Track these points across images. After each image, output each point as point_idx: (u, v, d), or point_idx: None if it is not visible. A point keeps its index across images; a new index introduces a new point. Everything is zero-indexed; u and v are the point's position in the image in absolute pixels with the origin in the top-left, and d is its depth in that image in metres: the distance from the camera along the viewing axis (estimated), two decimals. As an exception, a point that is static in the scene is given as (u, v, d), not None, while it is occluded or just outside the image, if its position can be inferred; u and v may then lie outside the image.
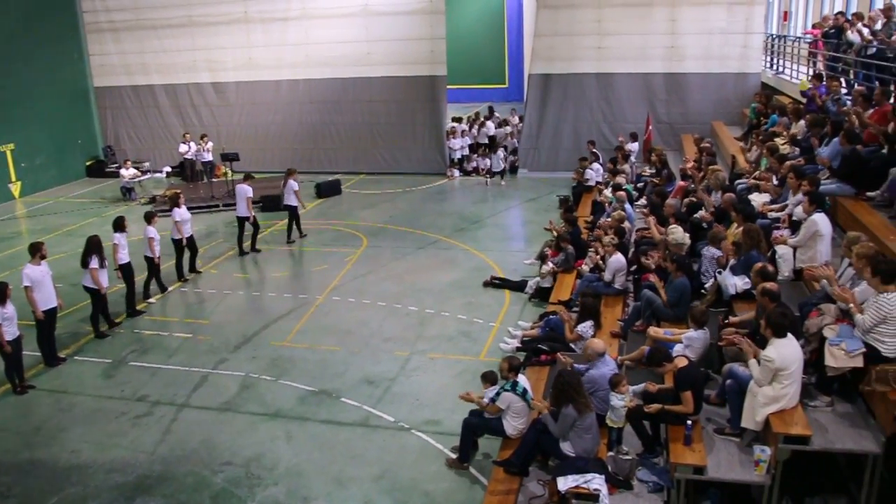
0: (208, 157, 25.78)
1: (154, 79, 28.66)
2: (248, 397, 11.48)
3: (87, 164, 28.83)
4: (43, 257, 12.39)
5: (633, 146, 22.44)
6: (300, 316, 14.49)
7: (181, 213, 16.35)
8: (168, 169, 27.95)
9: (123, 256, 14.41)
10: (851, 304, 7.81)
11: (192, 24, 27.74)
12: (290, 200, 19.10)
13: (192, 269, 17.11)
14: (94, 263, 13.32)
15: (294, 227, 19.42)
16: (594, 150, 22.51)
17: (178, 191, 18.38)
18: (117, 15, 28.15)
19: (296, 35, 27.08)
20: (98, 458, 9.97)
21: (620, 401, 8.30)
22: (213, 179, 24.84)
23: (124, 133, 29.43)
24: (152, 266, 15.54)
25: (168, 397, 11.55)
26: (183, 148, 26.16)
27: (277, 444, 10.16)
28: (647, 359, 8.85)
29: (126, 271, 14.54)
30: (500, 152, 26.40)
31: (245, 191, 18.14)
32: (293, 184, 18.98)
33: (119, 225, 14.56)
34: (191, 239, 16.75)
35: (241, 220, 18.36)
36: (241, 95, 28.16)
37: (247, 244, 18.57)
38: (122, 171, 24.75)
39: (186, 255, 16.87)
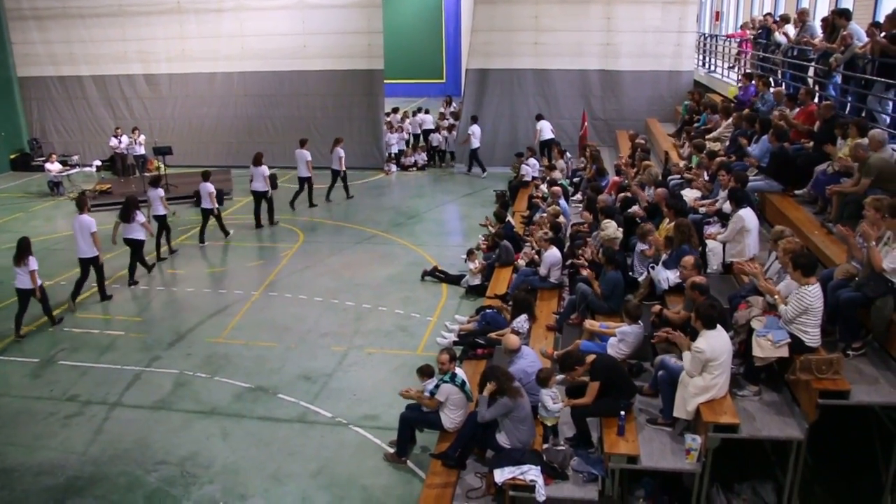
0: (140, 150, 25.19)
1: (82, 69, 27.86)
2: (183, 395, 11.30)
3: (12, 157, 27.83)
4: (89, 209, 14.66)
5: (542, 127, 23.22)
6: (235, 312, 14.31)
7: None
8: (98, 163, 27.15)
9: (159, 209, 17.06)
10: (776, 297, 8.09)
11: (123, 13, 27.06)
12: (335, 165, 22.05)
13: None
14: (142, 217, 15.47)
15: (344, 186, 22.57)
16: (530, 146, 22.74)
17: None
18: (41, 2, 27.27)
19: (230, 27, 26.67)
20: (25, 460, 9.70)
21: (552, 401, 8.43)
22: (146, 174, 24.25)
23: (51, 125, 28.52)
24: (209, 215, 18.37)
25: (99, 396, 11.29)
26: (113, 142, 25.49)
27: (213, 441, 10.04)
28: (559, 364, 8.98)
29: (162, 221, 17.23)
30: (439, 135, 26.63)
31: (304, 155, 21.11)
32: (340, 150, 21.88)
33: (156, 181, 17.76)
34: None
35: (302, 181, 21.38)
36: (175, 88, 27.60)
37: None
38: (48, 166, 24.04)
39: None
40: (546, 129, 23.67)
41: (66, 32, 27.50)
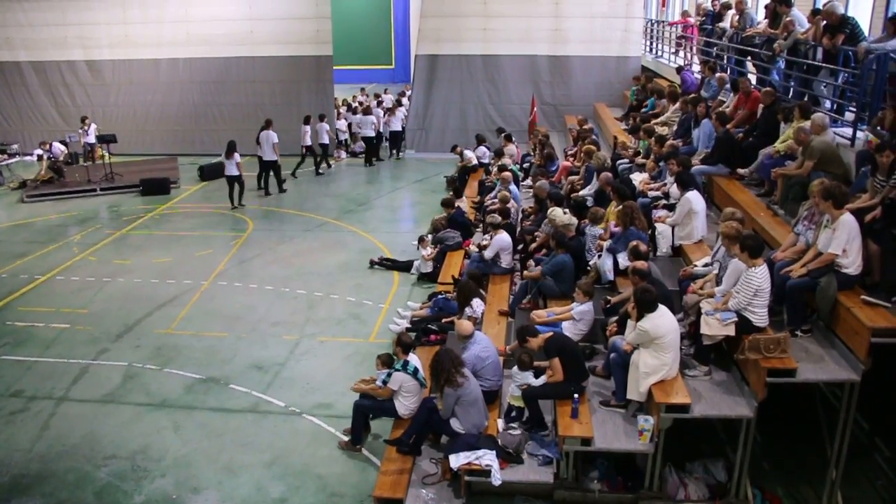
0: (91, 139, 24.36)
1: (20, 55, 27.05)
2: (132, 388, 11.09)
3: (-53, 145, 26.93)
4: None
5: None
6: (185, 302, 14.08)
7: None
8: (39, 152, 26.43)
9: (324, 137, 23.32)
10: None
11: (62, -4, 26.30)
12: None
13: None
14: (276, 138, 20.36)
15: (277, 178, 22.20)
16: (479, 134, 22.74)
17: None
18: (-26, -17, 26.37)
19: (175, 11, 26.17)
20: (-31, 457, 9.45)
21: (528, 381, 8.53)
22: (87, 163, 23.57)
23: (-12, 113, 27.71)
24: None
25: (45, 391, 11.02)
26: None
27: (164, 434, 9.88)
28: (516, 336, 9.08)
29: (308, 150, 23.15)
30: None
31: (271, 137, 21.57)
32: (272, 135, 20.89)
33: (316, 117, 23.03)
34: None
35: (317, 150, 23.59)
36: (118, 75, 27.00)
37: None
38: (-16, 155, 23.31)
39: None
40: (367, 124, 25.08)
41: (1, 16, 26.66)
